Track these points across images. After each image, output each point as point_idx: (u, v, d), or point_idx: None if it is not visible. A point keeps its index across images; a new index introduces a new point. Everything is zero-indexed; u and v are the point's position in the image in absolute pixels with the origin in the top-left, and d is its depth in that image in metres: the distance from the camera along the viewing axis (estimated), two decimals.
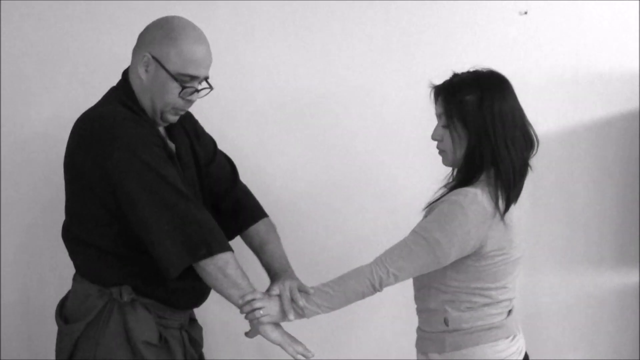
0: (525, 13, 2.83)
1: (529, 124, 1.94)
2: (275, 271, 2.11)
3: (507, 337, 1.95)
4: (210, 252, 1.90)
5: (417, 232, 1.89)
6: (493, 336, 1.93)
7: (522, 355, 1.97)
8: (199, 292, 2.11)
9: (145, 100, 2.02)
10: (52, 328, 2.63)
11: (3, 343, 2.63)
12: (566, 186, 2.94)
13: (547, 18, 2.84)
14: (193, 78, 1.98)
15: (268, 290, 2.02)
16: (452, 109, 1.90)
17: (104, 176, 1.91)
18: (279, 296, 1.97)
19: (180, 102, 2.01)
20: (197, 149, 2.18)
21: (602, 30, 2.89)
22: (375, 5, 2.74)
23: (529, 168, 1.94)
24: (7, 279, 2.62)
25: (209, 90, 2.06)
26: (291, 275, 2.07)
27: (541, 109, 2.86)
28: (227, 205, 2.23)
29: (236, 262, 1.95)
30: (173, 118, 2.05)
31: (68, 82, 2.60)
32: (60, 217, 2.60)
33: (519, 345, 1.98)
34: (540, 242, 2.87)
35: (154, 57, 1.96)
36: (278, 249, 2.18)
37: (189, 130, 2.19)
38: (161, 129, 2.10)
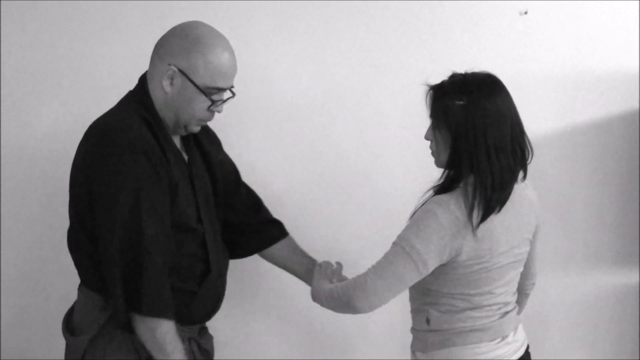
0: (525, 13, 2.82)
1: (522, 133, 1.89)
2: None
3: (493, 340, 1.93)
4: (148, 312, 1.84)
5: (396, 243, 1.89)
6: (475, 338, 1.91)
7: (515, 356, 1.96)
8: (209, 307, 2.06)
9: (167, 113, 1.94)
10: (52, 329, 2.63)
11: (3, 343, 2.63)
12: (566, 186, 2.94)
13: (547, 18, 2.84)
14: (221, 90, 1.93)
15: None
16: (437, 112, 1.88)
17: (88, 193, 1.85)
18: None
19: (206, 114, 1.95)
20: (211, 159, 2.13)
21: (602, 30, 2.89)
22: (375, 5, 2.74)
23: (518, 177, 1.90)
24: (7, 280, 2.62)
25: (232, 97, 1.99)
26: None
27: (541, 109, 2.86)
28: (247, 230, 2.23)
29: (174, 332, 1.88)
30: (197, 129, 2.00)
31: (69, 84, 2.60)
32: (60, 218, 2.61)
33: (509, 348, 1.96)
34: (540, 242, 2.87)
35: (180, 70, 1.88)
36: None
37: (204, 142, 2.12)
38: (177, 139, 2.03)
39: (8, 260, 2.61)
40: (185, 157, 2.03)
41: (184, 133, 2.00)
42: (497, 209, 1.83)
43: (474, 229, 1.82)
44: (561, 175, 2.93)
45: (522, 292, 2.13)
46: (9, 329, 2.63)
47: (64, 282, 2.63)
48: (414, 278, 1.86)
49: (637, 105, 2.93)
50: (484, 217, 1.82)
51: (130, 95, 1.99)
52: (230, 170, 2.23)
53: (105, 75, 2.60)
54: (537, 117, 2.85)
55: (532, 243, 2.05)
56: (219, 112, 1.97)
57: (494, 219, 1.84)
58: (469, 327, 1.92)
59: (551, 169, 2.89)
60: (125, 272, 1.82)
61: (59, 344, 2.63)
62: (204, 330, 2.16)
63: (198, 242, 1.99)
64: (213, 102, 1.91)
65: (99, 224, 1.84)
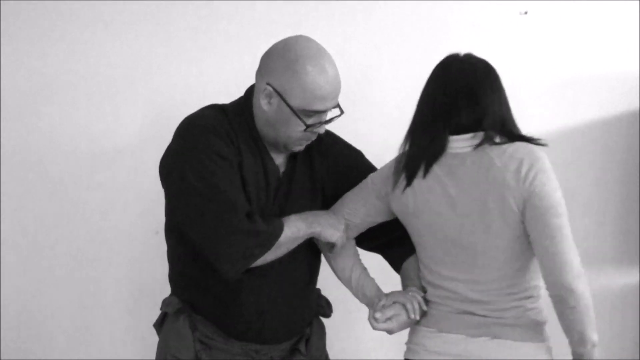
0: (526, 13, 2.83)
1: (453, 107, 1.81)
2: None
3: (428, 327, 1.86)
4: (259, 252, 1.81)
5: None
6: (423, 321, 1.89)
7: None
8: (244, 320, 1.92)
9: (267, 130, 1.87)
10: (52, 328, 2.64)
11: (3, 343, 2.63)
12: (566, 186, 2.93)
13: (547, 18, 2.85)
14: (319, 112, 1.82)
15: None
16: None
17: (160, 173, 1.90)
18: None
19: (305, 135, 1.85)
20: (316, 177, 2.00)
21: (602, 31, 2.89)
22: (375, 5, 2.74)
23: (443, 152, 1.82)
24: (7, 279, 2.62)
25: (340, 115, 1.88)
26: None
27: (541, 109, 2.87)
28: (382, 242, 2.06)
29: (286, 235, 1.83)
30: (298, 148, 1.90)
31: (70, 85, 2.60)
32: (61, 218, 2.61)
33: (434, 345, 1.83)
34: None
35: (276, 90, 1.80)
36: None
37: (317, 159, 2.00)
38: (280, 155, 1.95)
39: (8, 260, 2.61)
40: (280, 171, 1.94)
41: (283, 151, 1.92)
42: (422, 174, 1.82)
43: (398, 188, 1.86)
44: (561, 175, 2.92)
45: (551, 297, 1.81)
46: (9, 329, 2.63)
47: (64, 282, 2.63)
48: (364, 190, 1.93)
49: (637, 105, 2.93)
50: (408, 181, 1.84)
51: (231, 104, 1.96)
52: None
53: (106, 76, 2.60)
54: (537, 117, 2.85)
55: (526, 230, 1.76)
56: (319, 132, 1.86)
57: (421, 183, 1.83)
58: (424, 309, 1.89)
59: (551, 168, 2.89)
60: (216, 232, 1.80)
61: (59, 344, 2.64)
62: (296, 353, 2.02)
63: None
64: (307, 126, 1.82)
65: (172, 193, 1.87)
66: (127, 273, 2.63)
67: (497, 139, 1.79)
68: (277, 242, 1.81)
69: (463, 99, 1.80)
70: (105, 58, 2.60)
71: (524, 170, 1.76)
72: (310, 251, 2.00)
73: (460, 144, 1.80)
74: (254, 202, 1.87)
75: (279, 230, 1.81)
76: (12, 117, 2.58)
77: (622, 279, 3.00)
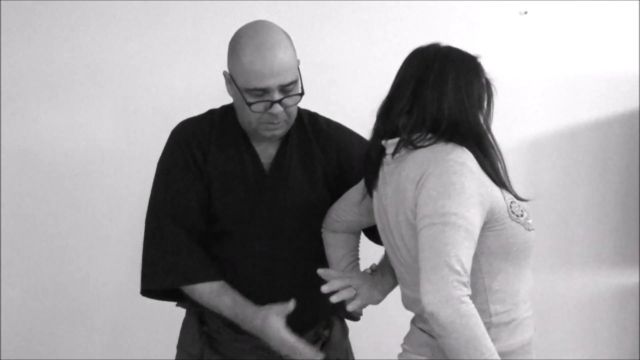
0: (525, 13, 2.83)
1: (397, 114, 1.66)
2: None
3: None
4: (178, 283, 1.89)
5: None
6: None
7: None
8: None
9: (239, 120, 1.91)
10: (52, 328, 2.64)
11: (3, 343, 2.63)
12: (566, 186, 2.94)
13: (547, 18, 2.85)
14: (264, 91, 1.79)
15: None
16: None
17: None
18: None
19: (265, 117, 1.82)
20: (327, 170, 1.98)
21: (602, 31, 2.89)
22: (375, 5, 2.74)
23: (383, 157, 1.69)
24: (7, 279, 2.62)
25: (299, 96, 1.84)
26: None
27: (541, 109, 2.87)
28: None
29: (213, 291, 1.87)
30: (269, 133, 1.87)
31: (69, 86, 2.60)
32: (60, 218, 2.61)
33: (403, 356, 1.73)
34: (540, 242, 2.86)
35: (229, 74, 1.85)
36: None
37: (315, 150, 1.98)
38: (273, 144, 1.94)
39: (8, 260, 2.61)
40: (266, 163, 1.94)
41: (260, 139, 1.91)
42: (373, 186, 1.73)
43: (363, 197, 1.81)
44: (561, 175, 2.93)
45: None
46: (9, 329, 2.63)
47: (64, 282, 2.63)
48: (359, 187, 1.83)
49: (637, 105, 2.93)
50: (367, 187, 1.77)
51: (229, 104, 2.01)
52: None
53: (106, 76, 2.60)
54: (537, 117, 2.86)
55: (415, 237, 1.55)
56: (274, 113, 1.81)
57: (375, 190, 1.73)
58: None
59: (551, 169, 2.90)
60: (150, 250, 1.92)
61: (59, 344, 2.65)
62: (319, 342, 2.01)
63: (235, 246, 1.93)
64: (249, 104, 1.80)
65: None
66: (128, 273, 2.63)
67: (424, 142, 1.59)
68: (192, 290, 1.87)
69: (395, 99, 1.69)
70: (105, 58, 2.59)
71: (419, 175, 1.54)
72: (319, 247, 1.98)
73: (390, 149, 1.66)
74: (229, 199, 1.90)
75: (194, 278, 1.87)
76: (12, 117, 2.58)
77: (622, 279, 3.01)
